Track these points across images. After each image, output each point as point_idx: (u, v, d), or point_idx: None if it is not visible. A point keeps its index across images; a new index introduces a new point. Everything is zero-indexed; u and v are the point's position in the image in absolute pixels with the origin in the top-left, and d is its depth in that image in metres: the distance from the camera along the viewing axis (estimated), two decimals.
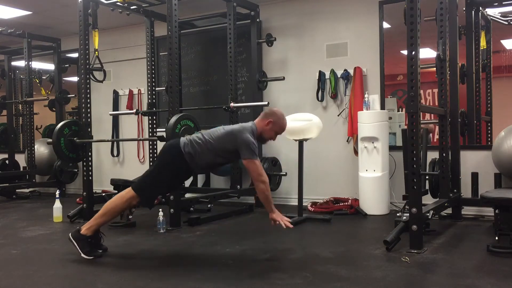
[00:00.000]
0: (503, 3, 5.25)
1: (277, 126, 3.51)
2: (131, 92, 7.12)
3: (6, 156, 7.62)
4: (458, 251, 3.50)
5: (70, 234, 3.42)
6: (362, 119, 5.15)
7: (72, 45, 6.99)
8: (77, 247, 3.36)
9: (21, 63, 7.28)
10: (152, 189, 3.44)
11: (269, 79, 5.88)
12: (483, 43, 5.46)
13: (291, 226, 3.29)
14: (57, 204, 4.97)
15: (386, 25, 5.55)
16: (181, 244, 3.83)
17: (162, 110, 6.04)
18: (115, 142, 7.26)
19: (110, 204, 3.43)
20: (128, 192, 3.41)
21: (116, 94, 7.24)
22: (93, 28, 5.12)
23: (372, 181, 5.06)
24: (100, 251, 3.45)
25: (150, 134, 6.07)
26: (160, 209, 4.32)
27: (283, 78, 5.74)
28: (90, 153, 5.11)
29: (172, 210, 4.48)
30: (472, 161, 4.90)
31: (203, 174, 5.80)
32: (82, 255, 3.35)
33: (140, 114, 6.46)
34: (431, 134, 6.21)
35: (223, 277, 2.92)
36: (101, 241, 3.49)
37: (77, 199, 6.12)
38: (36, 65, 7.49)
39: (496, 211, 3.47)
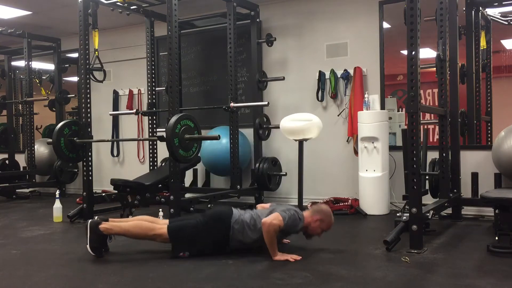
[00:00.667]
0: (503, 3, 5.26)
1: (325, 224, 3.49)
2: (131, 92, 7.12)
3: (6, 156, 7.63)
4: (458, 251, 3.50)
5: (89, 221, 3.40)
6: (362, 119, 5.15)
7: (72, 45, 6.99)
8: (88, 237, 3.36)
9: (21, 63, 7.28)
10: (186, 240, 3.37)
11: (269, 79, 5.88)
12: (483, 43, 5.46)
13: (299, 258, 3.27)
14: (57, 204, 4.98)
15: (386, 25, 5.55)
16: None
17: (162, 110, 6.04)
18: (115, 142, 7.26)
19: (140, 227, 3.40)
20: (161, 228, 3.37)
21: (116, 94, 7.25)
22: (93, 28, 5.12)
23: (372, 181, 5.06)
24: (103, 249, 3.45)
25: (150, 134, 6.08)
26: (160, 209, 4.32)
27: (283, 78, 5.74)
28: (90, 153, 5.11)
29: (172, 210, 4.48)
30: (472, 161, 4.90)
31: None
32: (88, 247, 3.36)
33: (140, 114, 6.46)
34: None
35: (223, 277, 2.92)
36: (107, 240, 3.48)
37: (77, 199, 6.12)
38: (36, 65, 7.49)
39: (496, 211, 3.47)
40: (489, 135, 5.52)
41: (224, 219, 3.40)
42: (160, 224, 3.47)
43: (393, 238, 3.46)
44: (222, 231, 3.38)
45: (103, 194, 5.46)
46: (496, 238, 3.43)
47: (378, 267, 3.08)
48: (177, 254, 3.39)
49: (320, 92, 5.75)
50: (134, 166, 7.02)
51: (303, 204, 4.86)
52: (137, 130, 6.97)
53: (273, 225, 3.24)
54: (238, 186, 5.59)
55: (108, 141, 7.07)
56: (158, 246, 3.72)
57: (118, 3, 5.25)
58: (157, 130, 6.06)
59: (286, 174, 5.61)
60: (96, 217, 3.50)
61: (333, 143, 5.71)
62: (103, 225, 3.39)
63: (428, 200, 4.40)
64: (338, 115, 5.72)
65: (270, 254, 3.29)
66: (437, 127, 4.73)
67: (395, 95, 6.14)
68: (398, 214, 3.90)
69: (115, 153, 7.29)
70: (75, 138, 5.01)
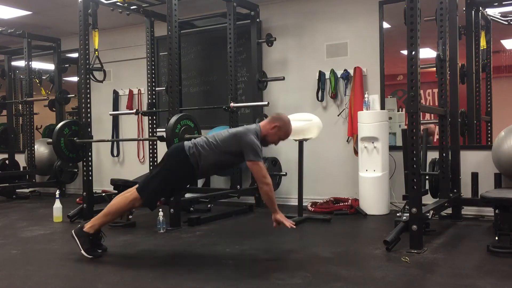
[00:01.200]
0: (503, 3, 5.26)
1: (282, 131, 3.50)
2: (131, 92, 7.12)
3: (6, 156, 7.62)
4: (458, 251, 3.51)
5: (73, 231, 3.43)
6: (362, 119, 5.15)
7: (72, 45, 6.99)
8: (78, 243, 3.38)
9: (21, 63, 7.28)
10: (156, 191, 3.43)
11: (269, 79, 5.88)
12: (483, 43, 5.46)
13: (294, 226, 3.32)
14: (57, 204, 4.97)
15: (386, 25, 5.55)
16: (181, 244, 3.83)
17: (162, 110, 6.04)
18: (115, 142, 7.26)
19: (114, 204, 3.44)
20: (132, 193, 3.42)
21: (116, 94, 7.25)
22: (93, 28, 5.12)
23: (372, 181, 5.06)
24: (100, 251, 3.46)
25: (150, 134, 6.07)
26: (160, 209, 4.32)
27: (283, 78, 5.74)
28: (90, 153, 5.11)
29: (172, 210, 4.48)
30: (472, 161, 4.90)
31: (204, 178, 5.76)
32: (82, 251, 3.36)
33: (140, 114, 6.46)
34: (431, 137, 6.20)
35: (223, 277, 2.92)
36: (101, 241, 3.50)
37: (77, 199, 6.12)
38: (36, 65, 7.49)
39: (496, 211, 3.47)
40: (489, 135, 5.52)
41: (179, 151, 3.43)
42: (130, 192, 3.47)
43: (393, 238, 3.46)
44: (182, 164, 3.39)
45: (103, 194, 5.46)
46: (496, 238, 3.42)
47: (378, 267, 3.08)
48: (154, 206, 3.48)
49: (320, 92, 5.75)
50: (134, 166, 7.02)
51: (303, 204, 4.86)
52: (137, 130, 6.97)
53: (267, 183, 3.28)
54: (238, 186, 5.59)
55: (108, 141, 7.07)
56: (158, 246, 3.72)
57: (118, 3, 5.25)
58: (157, 130, 6.05)
59: (286, 174, 5.61)
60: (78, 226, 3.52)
61: (333, 143, 5.71)
62: (86, 226, 3.42)
63: (428, 200, 4.40)
64: (338, 115, 5.72)
65: (270, 210, 3.34)
66: (437, 127, 4.73)
67: (395, 95, 6.14)
68: (398, 214, 3.91)
69: (115, 153, 7.29)
70: (75, 138, 5.02)
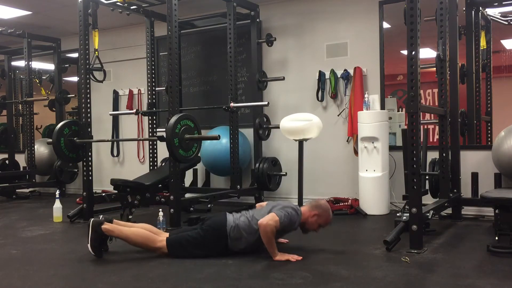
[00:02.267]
0: (503, 3, 5.25)
1: (322, 219, 3.48)
2: (131, 92, 7.12)
3: (6, 156, 7.63)
4: (458, 251, 3.51)
5: (92, 220, 3.41)
6: (362, 119, 5.15)
7: (72, 45, 7.00)
8: (89, 235, 3.37)
9: (21, 63, 7.28)
10: (185, 253, 3.38)
11: (269, 79, 5.88)
12: (483, 43, 5.46)
13: (300, 258, 3.26)
14: (57, 204, 4.98)
15: (386, 25, 5.55)
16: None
17: (162, 110, 6.04)
18: (115, 142, 7.26)
19: (143, 236, 3.41)
20: (162, 241, 3.39)
21: (116, 94, 7.24)
22: (93, 28, 5.12)
23: (372, 181, 5.05)
24: (102, 249, 3.46)
25: (150, 134, 6.07)
26: (160, 209, 4.31)
27: (283, 78, 5.74)
28: (90, 153, 5.11)
29: (172, 210, 4.48)
30: (472, 161, 4.90)
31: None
32: (88, 245, 3.37)
33: (140, 114, 6.46)
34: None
35: (223, 277, 2.92)
36: (107, 241, 3.49)
37: (77, 199, 6.12)
38: (36, 65, 7.49)
39: (496, 211, 3.47)
40: (489, 135, 5.52)
41: (220, 229, 3.38)
42: (161, 236, 3.46)
43: (393, 238, 3.46)
44: (220, 241, 3.37)
45: (103, 194, 5.46)
46: (496, 238, 3.43)
47: (378, 267, 3.08)
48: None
49: (320, 92, 5.75)
50: (134, 166, 7.02)
51: (303, 204, 4.86)
52: (137, 130, 6.97)
53: (269, 226, 3.22)
54: (238, 186, 5.59)
55: (108, 141, 7.07)
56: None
57: (118, 3, 5.24)
58: (157, 130, 6.05)
59: (286, 174, 5.61)
60: (101, 217, 3.50)
61: (333, 143, 5.71)
62: (105, 226, 3.40)
63: (428, 200, 4.40)
64: (338, 115, 5.72)
65: (270, 255, 3.28)
66: (437, 127, 4.73)
67: (395, 95, 6.14)
68: (398, 214, 3.91)
69: (115, 153, 7.29)
70: (75, 138, 5.01)
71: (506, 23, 5.50)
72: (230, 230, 3.36)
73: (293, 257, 3.25)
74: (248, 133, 5.91)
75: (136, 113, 6.10)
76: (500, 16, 5.51)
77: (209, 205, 5.33)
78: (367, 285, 2.73)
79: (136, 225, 3.65)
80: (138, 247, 3.48)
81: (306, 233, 3.55)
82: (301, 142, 4.72)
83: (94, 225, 3.38)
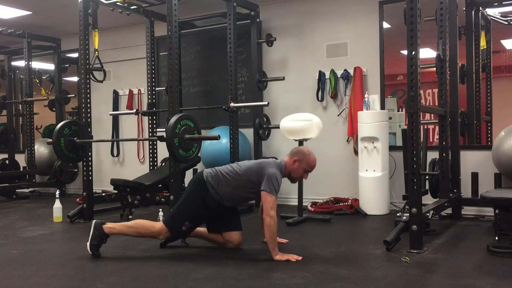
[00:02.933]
0: (503, 3, 5.26)
1: (304, 163, 3.48)
2: (131, 92, 7.12)
3: (6, 156, 7.62)
4: (458, 251, 3.50)
5: (94, 221, 3.47)
6: (362, 119, 5.15)
7: (72, 45, 7.00)
8: (90, 234, 3.42)
9: (21, 63, 7.28)
10: (180, 221, 3.44)
11: (269, 79, 5.88)
12: (483, 43, 5.46)
13: (300, 258, 3.25)
14: (57, 204, 4.98)
15: (386, 25, 5.55)
16: (181, 244, 3.83)
17: (162, 110, 6.05)
18: (115, 142, 7.26)
19: (141, 225, 3.47)
20: (159, 223, 3.45)
21: (116, 94, 7.24)
22: (93, 28, 5.12)
23: (372, 181, 5.05)
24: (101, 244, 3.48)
25: (150, 134, 6.08)
26: (160, 209, 4.32)
27: (283, 78, 5.74)
28: (90, 153, 5.11)
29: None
30: (472, 161, 4.90)
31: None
32: (88, 244, 3.40)
33: (140, 114, 6.46)
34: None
35: (223, 277, 2.92)
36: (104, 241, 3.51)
37: (77, 199, 6.12)
38: (36, 65, 7.49)
39: (496, 211, 3.47)
40: (489, 135, 5.52)
41: (198, 177, 3.49)
42: (158, 223, 3.52)
43: (393, 238, 3.46)
44: (201, 190, 3.42)
45: (103, 194, 5.46)
46: (496, 238, 3.43)
47: (378, 267, 3.08)
48: (183, 236, 3.53)
49: (320, 92, 5.75)
50: (134, 166, 7.02)
51: (303, 204, 4.86)
52: (137, 130, 6.97)
53: (273, 218, 3.24)
54: None
55: (108, 141, 7.07)
56: (158, 246, 3.72)
57: (118, 3, 5.25)
58: (157, 130, 6.06)
59: None
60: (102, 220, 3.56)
61: (333, 143, 5.71)
62: (107, 225, 3.44)
63: (428, 200, 4.40)
64: (338, 115, 5.72)
65: (271, 252, 3.27)
66: (437, 127, 4.73)
67: (395, 95, 6.15)
68: (398, 214, 3.91)
69: (115, 153, 7.29)
70: (75, 138, 5.02)
71: (506, 23, 5.50)
72: (207, 176, 3.43)
73: (293, 257, 3.24)
74: (248, 133, 5.91)
75: (136, 113, 6.10)
76: (500, 16, 5.51)
77: None
78: (367, 285, 2.73)
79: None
80: (141, 236, 3.52)
81: (294, 182, 3.57)
82: (301, 142, 4.72)
83: (96, 225, 3.43)
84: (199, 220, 3.55)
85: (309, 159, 3.51)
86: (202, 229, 3.66)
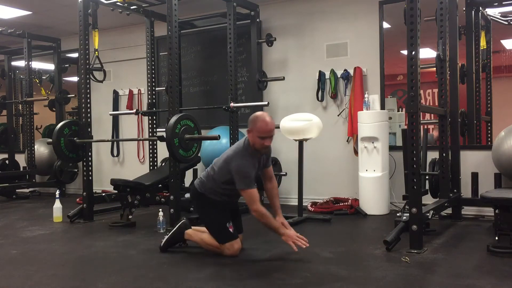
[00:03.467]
0: (503, 3, 5.25)
1: (256, 131, 3.26)
2: (131, 92, 7.12)
3: (6, 156, 7.62)
4: (458, 251, 3.51)
5: (182, 221, 3.59)
6: (362, 119, 5.15)
7: (72, 45, 7.00)
8: (169, 234, 3.57)
9: (21, 63, 7.28)
10: (224, 228, 3.41)
11: (269, 79, 5.88)
12: (483, 43, 5.46)
13: (307, 245, 3.21)
14: (57, 204, 4.98)
15: (386, 25, 5.55)
16: (180, 245, 3.83)
17: (162, 110, 6.04)
18: (115, 142, 7.26)
19: (210, 243, 3.46)
20: (220, 246, 3.41)
21: (116, 94, 7.24)
22: (93, 28, 5.12)
23: (372, 181, 5.05)
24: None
25: (150, 134, 6.07)
26: (160, 209, 4.32)
27: (283, 78, 5.74)
28: (90, 153, 5.11)
29: (172, 210, 4.48)
30: (472, 161, 4.90)
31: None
32: (162, 242, 3.55)
33: (140, 114, 6.46)
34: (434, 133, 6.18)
35: (223, 277, 2.92)
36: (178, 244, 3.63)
37: (77, 199, 6.12)
38: (36, 65, 7.49)
39: (496, 211, 3.47)
40: (489, 135, 5.52)
41: (195, 192, 3.53)
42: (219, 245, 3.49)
43: (393, 238, 3.46)
44: (204, 199, 3.48)
45: (103, 194, 5.46)
46: (496, 238, 3.42)
47: (378, 267, 3.08)
48: (235, 235, 3.47)
49: (320, 92, 5.74)
50: (134, 166, 7.02)
51: (303, 204, 4.86)
52: (137, 130, 6.97)
53: (256, 209, 3.26)
54: None
55: (108, 141, 7.07)
56: (158, 246, 3.72)
57: (118, 3, 5.24)
58: (157, 130, 6.05)
59: (286, 174, 5.60)
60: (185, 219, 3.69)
61: (333, 143, 5.71)
62: (188, 232, 3.55)
63: (428, 200, 4.40)
64: (338, 115, 5.72)
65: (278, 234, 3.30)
66: (437, 127, 4.73)
67: (395, 95, 6.15)
68: (398, 214, 3.91)
69: (115, 153, 7.29)
70: (75, 138, 5.02)
71: (506, 23, 5.50)
72: (199, 186, 3.50)
73: (299, 237, 3.23)
74: None
75: (136, 113, 6.10)
76: (500, 16, 5.51)
77: None
78: (367, 285, 2.73)
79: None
80: (211, 251, 3.47)
81: (263, 153, 3.40)
82: (301, 142, 4.72)
83: (180, 227, 3.55)
84: (228, 216, 3.49)
85: (257, 122, 3.24)
86: (202, 236, 3.60)
